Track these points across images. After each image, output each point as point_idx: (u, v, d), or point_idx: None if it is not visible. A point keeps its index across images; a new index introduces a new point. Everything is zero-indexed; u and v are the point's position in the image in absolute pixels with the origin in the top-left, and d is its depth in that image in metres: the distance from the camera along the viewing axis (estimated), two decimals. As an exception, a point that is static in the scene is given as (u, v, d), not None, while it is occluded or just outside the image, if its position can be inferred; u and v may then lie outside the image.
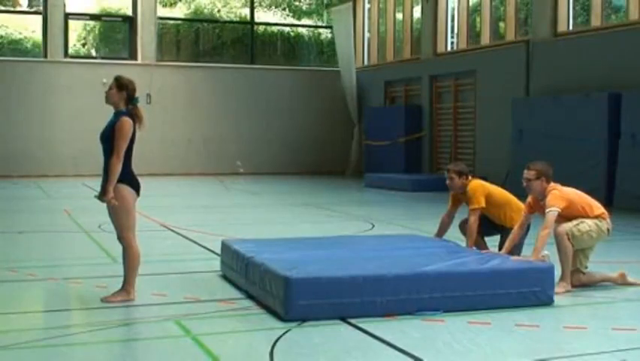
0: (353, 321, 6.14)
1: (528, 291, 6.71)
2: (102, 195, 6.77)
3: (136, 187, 6.97)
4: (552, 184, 7.58)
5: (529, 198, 7.75)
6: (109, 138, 6.81)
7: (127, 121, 6.81)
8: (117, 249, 7.18)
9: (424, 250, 7.67)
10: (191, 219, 13.52)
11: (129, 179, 6.91)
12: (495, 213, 8.48)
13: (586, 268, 7.61)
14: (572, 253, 7.41)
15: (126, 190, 6.86)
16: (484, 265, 6.87)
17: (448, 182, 8.64)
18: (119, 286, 7.00)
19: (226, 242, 8.23)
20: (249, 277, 7.07)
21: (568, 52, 17.98)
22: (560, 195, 7.46)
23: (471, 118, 21.69)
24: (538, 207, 7.67)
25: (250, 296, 7.02)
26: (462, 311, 6.43)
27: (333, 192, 20.23)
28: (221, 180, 23.60)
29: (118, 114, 6.90)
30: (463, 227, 8.63)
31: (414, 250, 7.73)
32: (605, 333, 6.02)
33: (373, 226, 12.64)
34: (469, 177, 8.59)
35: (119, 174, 6.79)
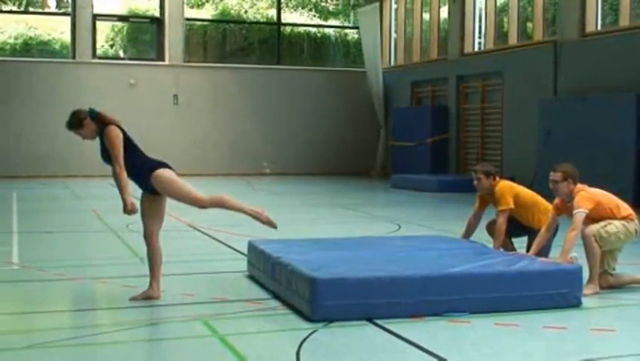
0: (379, 322, 6.13)
1: (556, 293, 6.67)
2: (125, 209, 6.80)
3: (165, 165, 6.98)
4: (579, 185, 7.54)
5: (557, 200, 7.71)
6: (108, 154, 6.84)
7: (111, 129, 6.83)
8: (145, 249, 7.20)
9: (451, 251, 7.64)
10: (218, 219, 13.53)
11: (157, 164, 6.94)
12: (523, 215, 8.43)
13: (613, 269, 7.56)
14: (599, 255, 7.36)
15: (165, 171, 6.88)
16: (511, 267, 6.84)
17: (475, 182, 8.61)
18: (147, 285, 7.04)
19: (253, 242, 8.27)
20: (276, 278, 7.09)
21: (596, 52, 17.84)
22: (587, 196, 7.42)
23: (498, 119, 21.57)
24: (565, 209, 7.63)
25: (277, 297, 7.03)
26: (488, 313, 6.40)
27: (359, 193, 20.21)
28: (248, 180, 23.64)
29: (102, 131, 6.88)
30: (491, 228, 8.60)
31: (440, 251, 7.71)
32: (634, 336, 5.98)
33: (400, 227, 12.61)
34: (497, 178, 8.56)
35: (147, 166, 6.84)
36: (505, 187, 8.49)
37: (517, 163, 19.94)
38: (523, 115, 20.00)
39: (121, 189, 6.77)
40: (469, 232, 8.77)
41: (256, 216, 7.05)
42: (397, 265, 6.78)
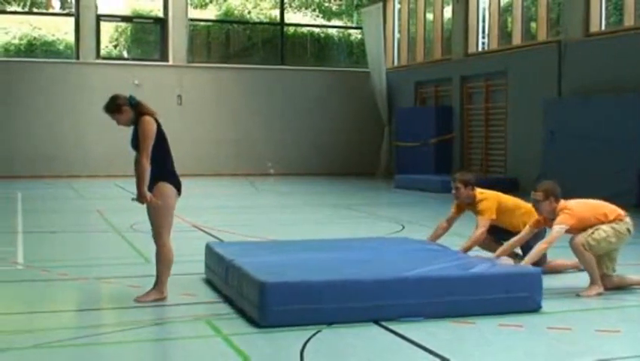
0: (384, 323, 6.12)
1: (514, 296, 6.49)
2: (139, 198, 6.81)
3: (177, 186, 7.01)
4: (562, 203, 7.43)
5: (540, 217, 7.60)
6: (138, 143, 6.87)
7: (148, 119, 6.86)
8: (149, 249, 7.22)
9: (413, 254, 7.45)
10: (222, 219, 13.57)
11: (171, 178, 6.97)
12: (506, 221, 8.34)
13: (614, 270, 7.52)
14: (594, 260, 7.30)
15: (169, 189, 6.91)
16: (469, 270, 6.66)
17: (453, 192, 8.51)
18: (152, 285, 7.04)
19: (210, 245, 8.07)
20: (229, 282, 6.90)
21: (600, 52, 17.82)
22: (570, 215, 7.30)
23: (502, 119, 21.57)
24: (548, 224, 7.54)
25: (229, 301, 6.88)
26: (445, 317, 6.24)
27: (363, 194, 20.21)
28: (252, 180, 23.65)
29: (137, 120, 6.93)
30: (482, 243, 8.48)
31: (402, 254, 7.50)
32: (638, 337, 5.97)
33: (403, 227, 12.61)
34: (475, 188, 8.47)
35: (162, 172, 6.85)
36: (491, 198, 8.39)
37: (522, 163, 19.93)
38: (527, 115, 19.99)
39: (140, 180, 6.77)
40: (437, 236, 8.64)
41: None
42: (354, 269, 6.62)
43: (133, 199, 6.93)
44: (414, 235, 9.28)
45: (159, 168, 6.87)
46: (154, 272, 7.08)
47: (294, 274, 6.37)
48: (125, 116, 6.95)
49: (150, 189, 6.84)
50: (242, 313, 6.43)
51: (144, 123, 6.83)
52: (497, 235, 8.36)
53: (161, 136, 6.91)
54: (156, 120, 6.93)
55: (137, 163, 6.82)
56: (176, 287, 7.38)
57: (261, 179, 24.53)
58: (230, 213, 15.12)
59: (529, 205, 8.01)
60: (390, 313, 6.19)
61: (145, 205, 6.90)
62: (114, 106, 6.97)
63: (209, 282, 7.80)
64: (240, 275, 6.58)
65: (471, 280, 6.52)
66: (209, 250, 7.96)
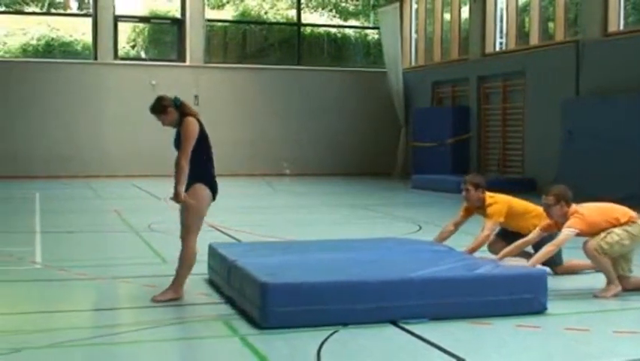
0: (400, 323, 6.11)
1: (519, 298, 6.43)
2: (174, 197, 6.85)
3: (214, 190, 7.04)
4: (573, 207, 7.38)
5: (551, 221, 7.54)
6: (179, 142, 6.93)
7: (191, 121, 6.96)
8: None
9: (416, 255, 7.41)
10: (239, 219, 13.58)
11: (209, 180, 7.01)
12: (517, 225, 8.30)
13: (630, 271, 7.46)
14: (609, 262, 7.26)
15: (204, 191, 6.95)
16: (473, 271, 6.60)
17: (464, 194, 8.49)
18: (168, 285, 7.04)
19: (213, 245, 8.03)
20: (231, 283, 6.87)
21: (618, 52, 17.72)
22: (580, 219, 7.26)
23: (519, 119, 21.49)
24: (559, 228, 7.47)
25: (231, 302, 6.86)
26: (449, 319, 6.19)
27: (380, 194, 20.19)
28: (268, 181, 23.68)
29: (181, 121, 6.99)
30: (493, 247, 8.42)
31: (406, 254, 7.46)
32: (657, 338, 5.94)
33: (420, 227, 12.58)
34: (485, 191, 8.44)
35: (201, 174, 6.90)
36: (501, 201, 8.36)
37: (539, 164, 19.85)
38: (544, 115, 19.91)
39: (177, 179, 6.82)
40: (442, 238, 8.59)
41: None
42: (357, 269, 6.57)
43: (169, 198, 6.97)
44: (431, 236, 9.23)
45: (198, 169, 6.94)
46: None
47: (296, 274, 6.34)
48: (169, 117, 7.04)
49: (188, 189, 6.88)
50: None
51: (187, 124, 6.92)
52: (509, 238, 8.25)
53: (202, 137, 6.98)
54: (199, 122, 7.01)
55: (177, 163, 6.86)
56: (193, 287, 7.39)
57: (277, 179, 24.54)
58: (247, 213, 15.13)
59: (539, 209, 7.92)
60: (395, 315, 6.16)
61: (179, 205, 6.95)
62: (160, 107, 7.07)
63: (211, 282, 7.75)
64: (241, 276, 6.56)
65: (475, 281, 6.47)
66: (212, 250, 7.93)
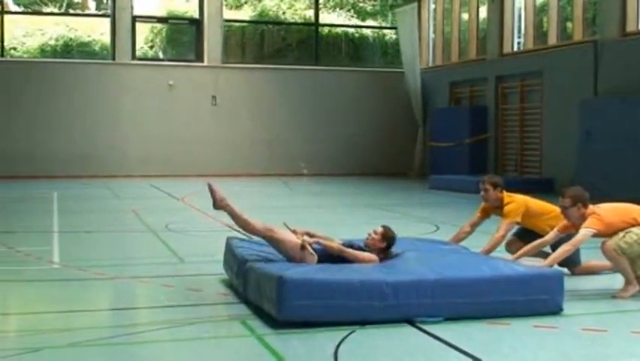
0: (417, 323, 6.11)
1: (535, 299, 6.41)
2: None
3: None
4: (590, 208, 7.35)
5: (567, 222, 7.50)
6: None
7: None
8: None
9: (432, 255, 7.37)
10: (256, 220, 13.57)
11: None
12: (534, 225, 8.29)
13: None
14: (627, 263, 7.23)
15: None
16: (489, 272, 6.56)
17: (482, 193, 8.51)
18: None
19: (229, 241, 8.03)
20: (247, 278, 6.87)
21: (637, 51, 17.63)
22: (598, 219, 7.23)
23: (537, 119, 21.41)
24: (577, 229, 7.44)
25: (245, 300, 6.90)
26: (464, 319, 6.20)
27: (397, 194, 20.17)
28: (285, 181, 23.70)
29: None
30: (511, 247, 8.42)
31: (422, 254, 7.40)
32: (676, 339, 5.91)
33: (438, 228, 12.56)
34: (503, 191, 8.45)
35: None
36: (518, 201, 8.36)
37: (557, 164, 19.77)
38: (563, 115, 19.83)
39: None
40: (459, 239, 8.60)
41: None
42: (371, 268, 6.65)
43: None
44: (448, 237, 9.22)
45: None
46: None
47: (312, 270, 6.44)
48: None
49: None
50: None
51: None
52: (527, 238, 8.22)
53: None
54: None
55: None
56: (212, 287, 7.41)
57: (294, 179, 24.55)
58: (265, 214, 15.07)
59: (557, 210, 7.86)
60: (408, 313, 6.17)
61: None
62: None
63: (227, 280, 7.74)
64: (257, 271, 6.61)
65: (491, 281, 6.45)
66: (228, 246, 7.91)
